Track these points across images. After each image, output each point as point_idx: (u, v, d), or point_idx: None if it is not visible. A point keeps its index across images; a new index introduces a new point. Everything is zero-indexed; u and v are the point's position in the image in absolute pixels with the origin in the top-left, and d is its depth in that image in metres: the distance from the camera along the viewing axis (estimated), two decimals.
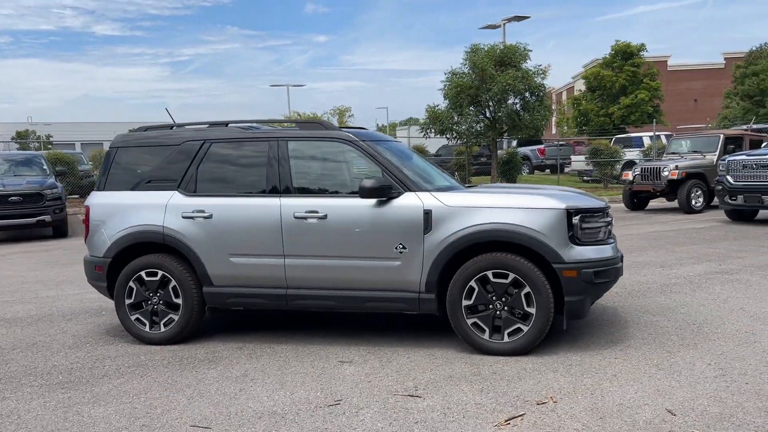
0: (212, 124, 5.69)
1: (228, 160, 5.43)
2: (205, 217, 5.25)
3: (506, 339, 4.72)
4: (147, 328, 5.40)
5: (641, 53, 34.29)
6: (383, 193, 4.87)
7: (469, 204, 4.82)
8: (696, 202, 15.63)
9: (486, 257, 4.72)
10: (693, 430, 3.35)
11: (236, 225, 5.20)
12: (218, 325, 5.95)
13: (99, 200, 5.63)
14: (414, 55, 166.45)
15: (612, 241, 4.96)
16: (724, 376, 4.13)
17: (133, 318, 5.43)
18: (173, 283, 5.32)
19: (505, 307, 4.72)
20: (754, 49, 45.09)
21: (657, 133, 25.77)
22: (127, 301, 5.43)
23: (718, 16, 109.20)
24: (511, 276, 4.67)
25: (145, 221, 5.40)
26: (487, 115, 22.73)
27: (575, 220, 4.69)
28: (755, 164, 12.34)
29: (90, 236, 5.62)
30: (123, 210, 5.50)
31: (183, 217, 5.30)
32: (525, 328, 4.68)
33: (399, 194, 4.93)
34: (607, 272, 4.78)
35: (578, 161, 28.57)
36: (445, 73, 23.17)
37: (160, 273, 5.34)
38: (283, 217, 5.09)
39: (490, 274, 4.71)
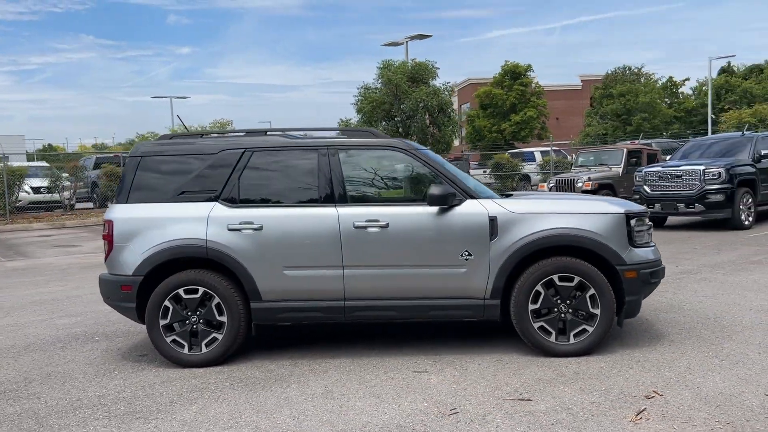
0: (249, 133, 5.44)
1: (272, 169, 5.21)
2: (255, 229, 4.99)
3: (572, 340, 4.87)
4: (185, 350, 5.02)
5: (528, 73, 36.51)
6: (450, 200, 4.89)
7: (533, 210, 4.95)
8: None
9: (552, 261, 4.86)
10: None
11: (291, 236, 4.99)
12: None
13: (124, 213, 5.18)
14: (282, 70, 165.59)
15: (654, 243, 5.29)
16: None
17: (168, 340, 5.03)
18: (216, 300, 4.99)
19: (570, 310, 4.88)
20: (609, 72, 49.19)
21: (545, 149, 27.52)
22: (162, 322, 5.03)
23: (566, 42, 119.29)
24: (577, 279, 4.84)
25: (184, 235, 5.03)
26: (399, 130, 23.16)
27: (633, 223, 4.96)
28: (670, 175, 13.53)
29: (114, 253, 5.14)
30: (156, 224, 5.10)
31: (229, 230, 5.00)
32: (590, 329, 4.86)
33: (461, 201, 4.97)
34: (658, 272, 5.08)
35: (477, 174, 29.81)
36: (358, 88, 23.44)
37: (201, 290, 5.00)
38: (341, 226, 4.95)
39: (556, 277, 4.85)
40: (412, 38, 28.71)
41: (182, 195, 5.17)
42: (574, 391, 4.14)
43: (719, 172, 13.01)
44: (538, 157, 28.38)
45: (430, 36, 28.51)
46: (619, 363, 4.65)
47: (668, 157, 16.90)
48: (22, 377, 4.95)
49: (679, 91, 52.97)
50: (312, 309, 5.03)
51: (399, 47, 28.94)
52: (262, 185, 5.19)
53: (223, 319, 4.99)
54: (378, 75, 22.73)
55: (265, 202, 5.15)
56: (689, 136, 35.72)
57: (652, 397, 3.97)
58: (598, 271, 4.85)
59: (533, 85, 36.89)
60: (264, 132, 5.45)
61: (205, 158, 5.22)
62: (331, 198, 5.06)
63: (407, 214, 4.99)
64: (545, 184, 18.01)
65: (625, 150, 18.03)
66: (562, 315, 4.88)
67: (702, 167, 13.16)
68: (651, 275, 4.98)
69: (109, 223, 5.17)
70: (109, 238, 5.16)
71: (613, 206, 5.03)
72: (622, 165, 17.39)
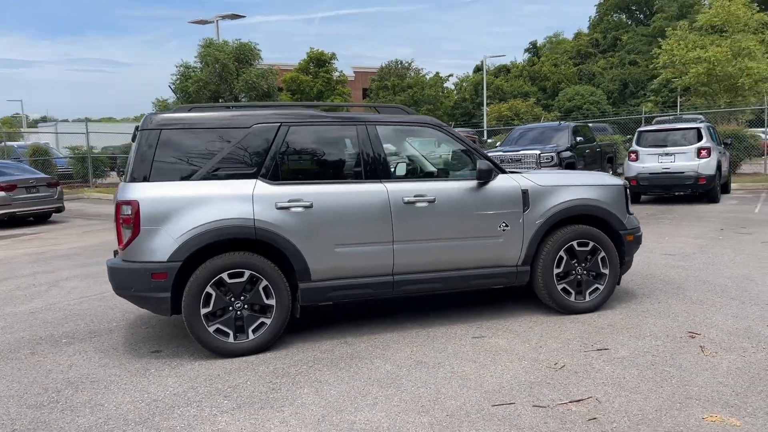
0: (265, 106, 5.18)
1: (312, 145, 5.04)
2: (305, 207, 4.80)
3: (588, 298, 5.50)
4: (230, 339, 4.68)
5: (332, 62, 37.25)
6: (494, 175, 5.20)
7: (557, 183, 5.46)
8: None
9: (573, 229, 5.42)
10: None
11: (343, 213, 4.89)
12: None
13: (151, 193, 4.61)
14: (11, 43, 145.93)
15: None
16: None
17: (211, 329, 4.64)
18: (264, 282, 4.72)
19: (584, 272, 5.50)
20: (384, 65, 51.48)
21: None
22: (203, 311, 4.62)
23: (324, 32, 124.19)
24: (591, 244, 5.47)
25: (228, 215, 4.66)
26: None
27: (627, 193, 5.73)
28: (510, 159, 15.09)
29: (140, 238, 4.57)
30: (192, 204, 4.64)
31: (277, 208, 4.74)
32: (601, 287, 5.53)
33: (496, 176, 5.30)
34: (642, 236, 5.93)
35: None
36: (177, 66, 22.12)
37: (248, 273, 4.68)
38: (391, 202, 4.99)
39: (575, 243, 5.43)
40: (224, 17, 27.63)
41: (217, 172, 4.76)
42: (629, 338, 4.75)
43: (552, 156, 14.85)
44: None
45: (244, 16, 27.76)
46: (634, 315, 5.38)
47: (498, 144, 18.71)
48: (55, 386, 4.21)
49: (444, 86, 58.08)
50: (362, 285, 5.00)
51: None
52: (303, 161, 5.01)
53: (272, 302, 4.74)
54: (200, 54, 21.61)
55: (308, 178, 4.97)
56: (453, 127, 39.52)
57: (694, 337, 4.73)
58: (606, 236, 5.53)
59: (337, 73, 37.79)
60: (296, 106, 5.24)
61: (237, 132, 4.86)
62: (375, 174, 5.05)
63: (452, 188, 5.18)
64: None
65: None
66: (578, 276, 5.48)
67: (538, 151, 14.91)
68: (640, 238, 5.81)
69: (132, 205, 4.57)
70: (133, 221, 4.56)
71: (612, 179, 5.76)
72: None
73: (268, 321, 4.75)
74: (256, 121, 4.91)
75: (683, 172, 13.64)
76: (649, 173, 14.03)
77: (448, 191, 5.17)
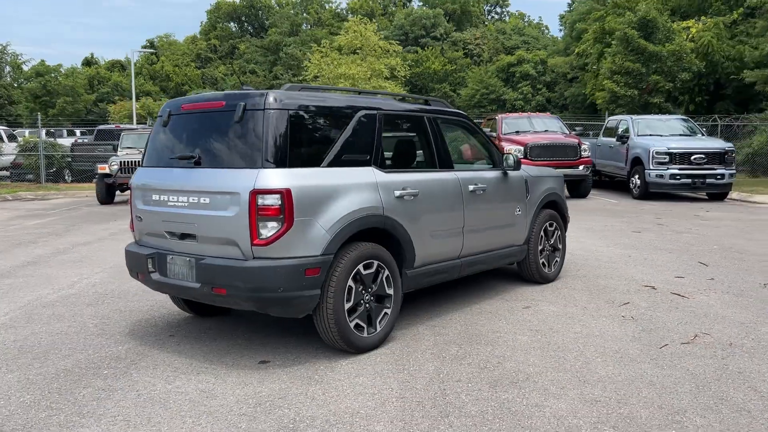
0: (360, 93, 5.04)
1: (398, 134, 5.09)
2: (413, 195, 4.86)
3: (554, 269, 6.70)
4: (365, 333, 4.50)
5: None
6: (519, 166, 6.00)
7: (539, 174, 6.52)
8: None
9: (549, 211, 6.57)
10: None
11: (437, 201, 5.10)
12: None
13: (299, 180, 4.11)
14: None
15: None
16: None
17: (352, 324, 4.40)
18: (386, 272, 4.65)
19: (551, 247, 6.69)
20: None
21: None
22: (347, 305, 4.35)
23: None
24: (554, 224, 6.69)
25: (365, 203, 4.47)
26: None
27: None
28: None
29: (294, 231, 4.05)
30: (334, 191, 4.32)
31: (395, 197, 4.71)
32: (558, 258, 6.79)
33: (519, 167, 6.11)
34: None
35: None
36: None
37: (375, 263, 4.56)
38: (462, 190, 5.37)
39: (547, 224, 6.58)
40: None
41: (341, 157, 4.48)
42: (649, 302, 6.13)
43: None
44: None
45: None
46: (622, 285, 6.80)
47: None
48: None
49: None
50: (442, 270, 5.26)
51: None
52: (396, 149, 5.01)
53: (391, 291, 4.71)
54: None
55: (403, 166, 5.02)
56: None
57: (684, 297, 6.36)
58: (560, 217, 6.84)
59: None
60: (358, 92, 5.20)
61: (347, 118, 4.64)
62: (447, 163, 5.36)
63: (493, 177, 5.80)
64: (107, 165, 16.74)
65: None
66: (548, 250, 6.65)
67: None
68: None
69: (285, 194, 4.01)
70: (285, 212, 4.02)
71: (557, 170, 7.08)
72: None
73: (388, 311, 4.68)
74: (359, 107, 4.75)
75: None
76: None
77: (491, 180, 5.77)
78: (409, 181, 4.89)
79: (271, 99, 4.20)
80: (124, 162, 16.86)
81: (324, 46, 34.81)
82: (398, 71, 35.20)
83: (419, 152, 5.32)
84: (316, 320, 4.34)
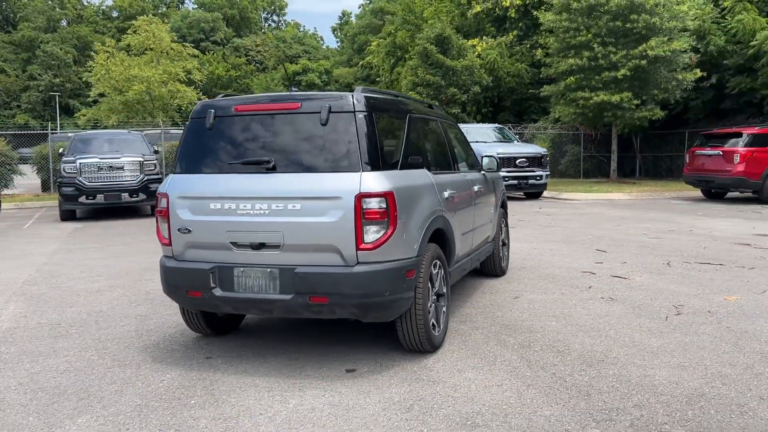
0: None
1: (428, 136, 5.22)
2: (453, 196, 5.04)
3: (506, 263, 7.26)
4: (437, 332, 4.59)
5: None
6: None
7: (499, 176, 7.01)
8: None
9: (501, 211, 7.11)
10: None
11: (463, 201, 5.34)
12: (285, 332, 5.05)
13: (396, 182, 4.08)
14: None
15: None
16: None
17: (430, 323, 4.46)
18: (443, 271, 4.78)
19: (502, 240, 7.24)
20: None
21: None
22: (429, 305, 4.41)
23: None
24: (504, 221, 7.27)
25: (434, 205, 4.60)
26: None
27: None
28: (109, 166, 13.92)
29: (397, 233, 4.00)
30: (419, 194, 4.40)
31: (445, 198, 4.85)
32: (506, 252, 7.37)
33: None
34: None
35: None
36: None
37: (438, 263, 4.67)
38: (472, 190, 5.67)
39: (502, 221, 7.13)
40: None
41: (409, 160, 4.52)
42: (632, 288, 6.89)
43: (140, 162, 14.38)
44: None
45: None
46: (602, 274, 7.47)
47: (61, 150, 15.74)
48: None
49: None
50: (462, 268, 5.50)
51: None
52: (431, 151, 5.15)
53: (446, 290, 4.84)
54: None
55: (439, 168, 5.15)
56: None
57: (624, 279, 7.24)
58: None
59: None
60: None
61: (405, 120, 4.68)
62: (457, 165, 5.62)
63: (481, 179, 6.16)
64: None
65: None
66: (504, 243, 7.19)
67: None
68: None
69: (388, 196, 3.95)
70: (389, 216, 3.96)
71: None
72: None
73: (445, 309, 4.79)
74: (409, 110, 4.80)
75: None
76: None
77: (481, 181, 6.13)
78: (447, 182, 5.06)
79: (359, 100, 4.10)
80: None
81: (109, 46, 32.15)
82: (194, 75, 33.91)
83: (444, 155, 5.50)
84: (401, 323, 4.30)
